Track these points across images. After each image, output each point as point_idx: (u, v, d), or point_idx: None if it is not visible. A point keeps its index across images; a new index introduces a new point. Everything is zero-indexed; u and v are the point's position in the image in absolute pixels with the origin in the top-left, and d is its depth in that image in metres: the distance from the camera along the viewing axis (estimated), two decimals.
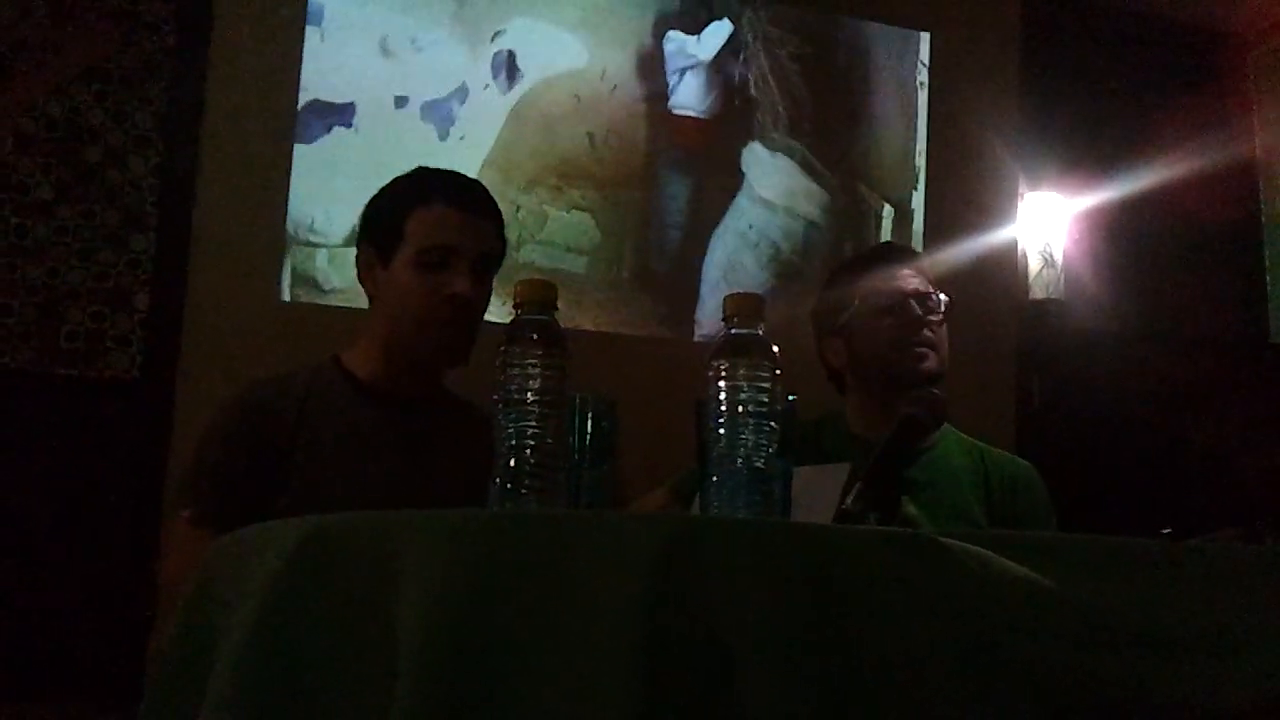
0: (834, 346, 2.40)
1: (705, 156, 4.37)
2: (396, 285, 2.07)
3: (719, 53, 4.40)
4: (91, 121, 3.67)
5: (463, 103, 4.05)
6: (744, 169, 4.40)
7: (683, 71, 4.35)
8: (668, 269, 4.28)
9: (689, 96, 4.36)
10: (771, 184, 4.42)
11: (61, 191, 3.62)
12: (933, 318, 2.31)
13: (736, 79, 4.42)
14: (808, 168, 4.46)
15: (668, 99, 4.34)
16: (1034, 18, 4.86)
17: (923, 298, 2.32)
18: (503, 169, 4.06)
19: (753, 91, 4.43)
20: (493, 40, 4.13)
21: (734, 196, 4.37)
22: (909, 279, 2.35)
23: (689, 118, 4.36)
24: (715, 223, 4.34)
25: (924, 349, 2.29)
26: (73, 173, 3.63)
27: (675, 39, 4.35)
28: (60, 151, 3.63)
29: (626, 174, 4.26)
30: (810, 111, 4.52)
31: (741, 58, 4.43)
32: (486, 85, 4.10)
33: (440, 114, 4.03)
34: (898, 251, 2.52)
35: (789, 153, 4.44)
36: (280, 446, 2.01)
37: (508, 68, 4.12)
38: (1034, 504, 2.32)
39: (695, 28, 4.39)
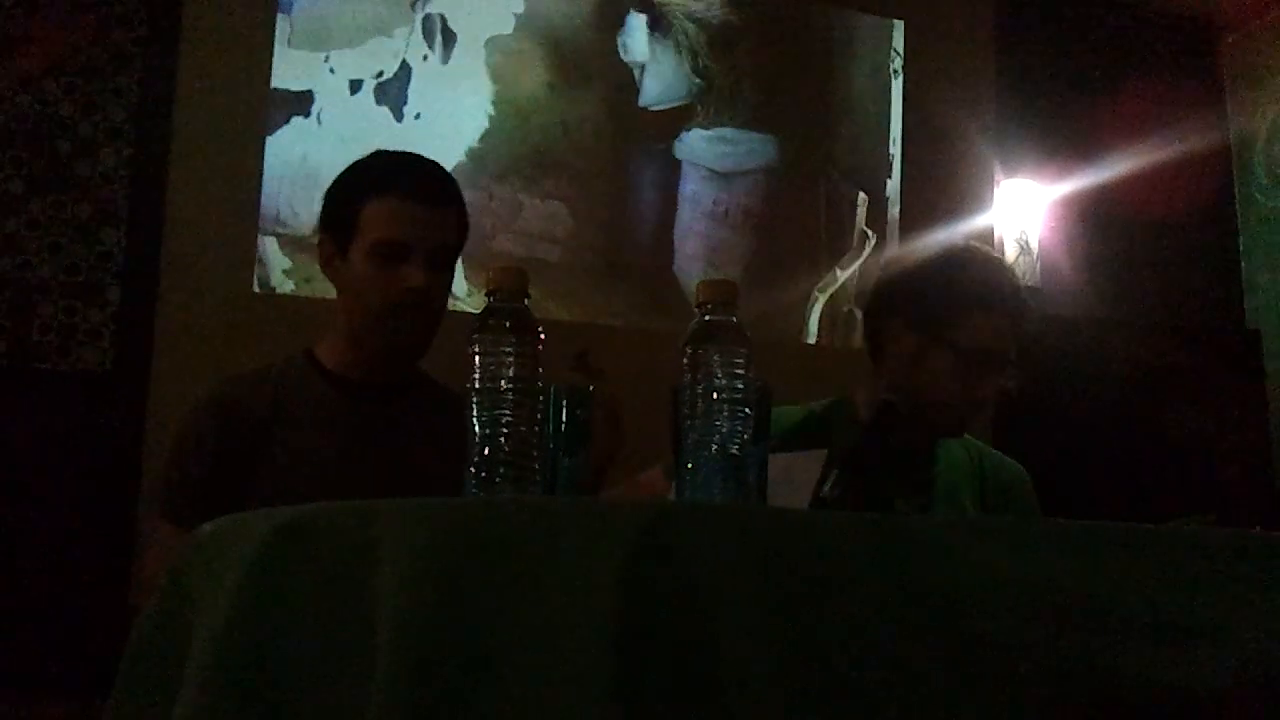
0: (900, 334, 2.25)
1: (671, 147, 4.37)
2: (354, 277, 2.04)
3: (672, 46, 4.38)
4: (62, 114, 3.65)
5: (409, 80, 4.03)
6: (681, 156, 4.38)
7: (641, 67, 4.34)
8: (642, 258, 4.27)
9: (653, 90, 4.35)
10: (719, 155, 4.41)
11: (32, 185, 3.59)
12: (989, 379, 2.22)
13: (700, 72, 4.41)
14: (747, 125, 4.46)
15: (637, 90, 4.33)
16: (1008, 5, 4.87)
17: (1004, 367, 2.22)
18: (477, 158, 4.05)
19: (716, 83, 4.43)
20: (414, 6, 4.10)
21: (682, 187, 4.36)
22: (1008, 344, 2.23)
23: (655, 109, 4.35)
24: (679, 214, 4.34)
25: (973, 418, 2.24)
26: (43, 166, 3.61)
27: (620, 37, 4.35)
28: (31, 144, 3.61)
29: (600, 163, 4.25)
30: (783, 100, 4.52)
31: (706, 51, 4.43)
32: (425, 56, 4.08)
33: (392, 94, 4.02)
34: (1018, 307, 2.29)
35: (725, 121, 4.43)
36: (254, 442, 2.00)
37: (442, 32, 4.10)
38: (1023, 507, 2.31)
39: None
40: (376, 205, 2.02)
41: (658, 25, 4.37)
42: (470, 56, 4.12)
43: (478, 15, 4.15)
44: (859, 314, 2.66)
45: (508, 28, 4.18)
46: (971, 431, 2.31)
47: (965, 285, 2.23)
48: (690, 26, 4.41)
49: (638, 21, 4.35)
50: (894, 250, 4.48)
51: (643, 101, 4.34)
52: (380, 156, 2.16)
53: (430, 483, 1.47)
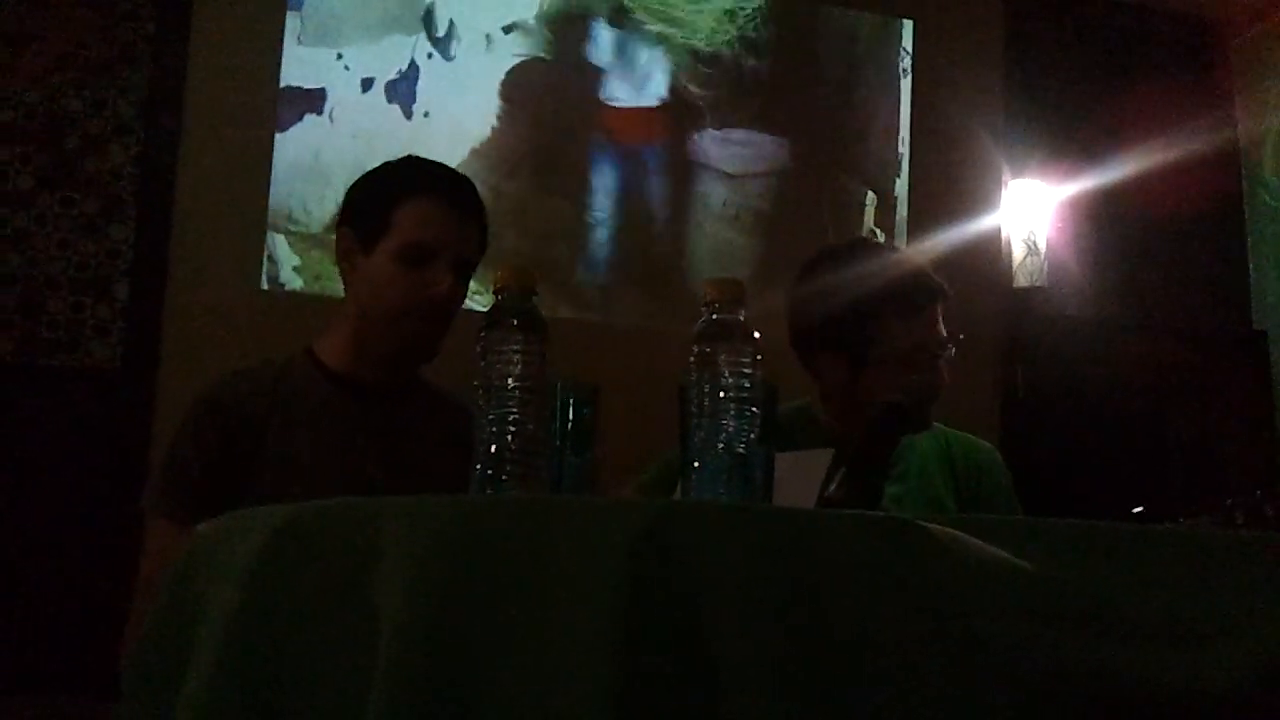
0: (833, 362, 2.30)
1: (684, 147, 4.37)
2: (376, 274, 2.04)
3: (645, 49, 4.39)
4: (71, 109, 3.65)
5: (417, 79, 4.04)
6: (698, 159, 4.38)
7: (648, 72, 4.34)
8: (651, 257, 4.27)
9: (621, 90, 4.35)
10: (730, 157, 4.41)
11: (41, 180, 3.60)
12: (948, 360, 2.27)
13: (706, 73, 4.41)
14: (758, 127, 4.46)
15: (643, 90, 4.33)
16: (1017, 5, 4.86)
17: (945, 345, 2.27)
18: (485, 156, 4.05)
19: (718, 83, 4.43)
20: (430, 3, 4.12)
21: (693, 188, 4.36)
22: (938, 326, 2.27)
23: (664, 109, 4.35)
24: (690, 215, 4.34)
25: (929, 410, 2.28)
26: (52, 161, 3.61)
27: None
28: (39, 140, 3.61)
29: (609, 162, 4.25)
30: (794, 101, 4.52)
31: (715, 51, 4.43)
32: (430, 54, 4.07)
33: (402, 92, 4.02)
34: (933, 293, 2.31)
35: (736, 122, 4.43)
36: (253, 440, 2.00)
37: (444, 29, 4.09)
38: (997, 487, 2.33)
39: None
40: (413, 205, 2.03)
41: (623, 27, 4.35)
42: (475, 54, 4.12)
43: (481, 11, 4.15)
44: None
45: (511, 23, 4.18)
46: (930, 426, 2.33)
47: (876, 299, 2.25)
48: (672, 32, 4.40)
49: (604, 30, 4.34)
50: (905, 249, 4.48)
51: (645, 99, 4.33)
52: (415, 161, 2.17)
53: (425, 485, 1.48)
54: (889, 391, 2.20)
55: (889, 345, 2.24)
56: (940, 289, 2.30)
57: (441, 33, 4.09)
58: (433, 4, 4.09)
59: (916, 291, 2.29)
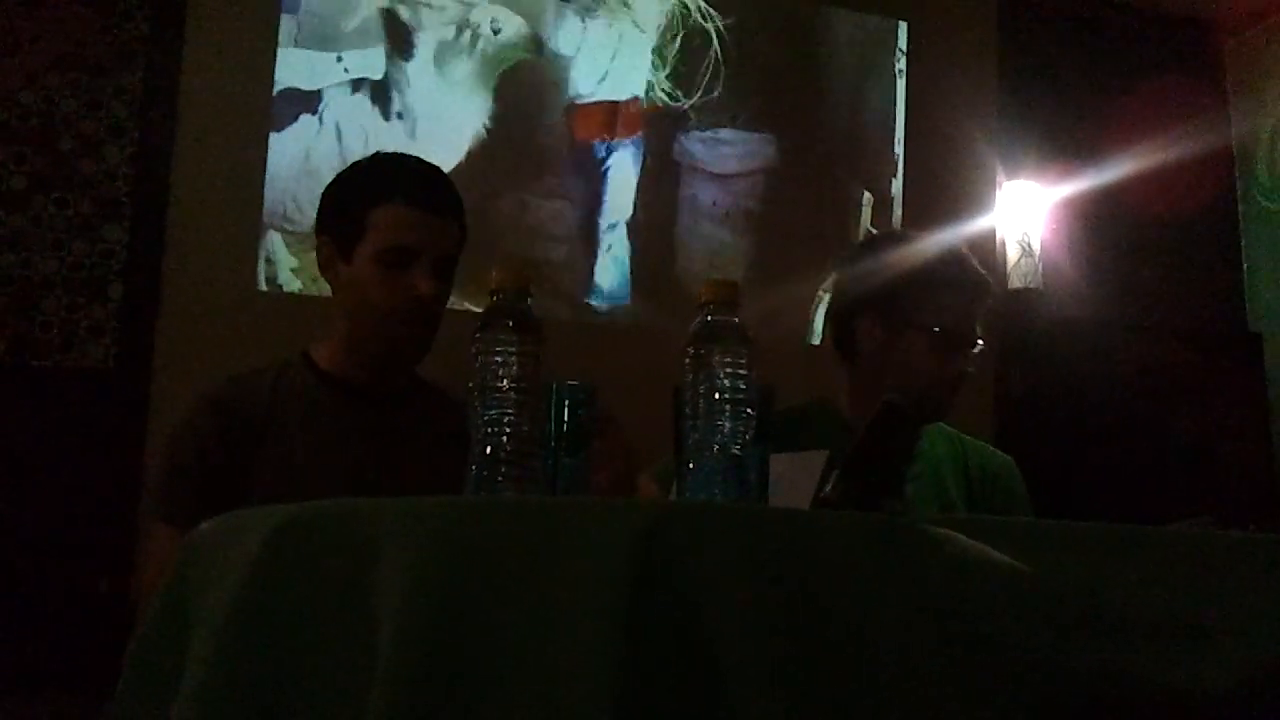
0: (869, 326, 2.31)
1: (671, 146, 4.36)
2: (358, 280, 2.04)
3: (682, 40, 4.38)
4: (65, 110, 3.64)
5: (403, 81, 4.03)
6: (683, 159, 4.37)
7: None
8: (646, 257, 4.27)
9: (639, 88, 4.35)
10: (717, 157, 4.40)
11: (35, 181, 3.59)
12: (959, 359, 2.29)
13: (703, 70, 4.40)
14: (746, 126, 4.45)
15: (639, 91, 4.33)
16: (1012, 6, 4.87)
17: (976, 338, 2.30)
18: (476, 156, 4.05)
19: (718, 81, 4.42)
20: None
21: (682, 188, 4.35)
22: (975, 319, 2.30)
23: (659, 108, 4.34)
24: (681, 215, 4.33)
25: (950, 399, 2.29)
26: (46, 162, 3.61)
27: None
28: (34, 140, 3.61)
29: (604, 161, 4.24)
30: (785, 100, 4.51)
31: (709, 48, 4.42)
32: (405, 56, 4.06)
33: (382, 94, 4.01)
34: (979, 284, 2.36)
35: (722, 122, 4.42)
36: (250, 444, 2.00)
37: (401, 28, 4.08)
38: (1012, 496, 2.32)
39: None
40: (385, 210, 2.02)
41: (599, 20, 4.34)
42: (455, 55, 4.11)
43: (454, 12, 4.14)
44: None
45: (492, 23, 4.17)
46: (950, 416, 2.34)
47: (926, 269, 2.30)
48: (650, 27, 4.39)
49: (580, 24, 4.32)
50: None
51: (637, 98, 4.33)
52: (383, 161, 2.16)
53: (422, 487, 1.47)
54: (898, 376, 2.23)
55: (929, 314, 2.26)
56: (989, 285, 2.34)
57: (412, 35, 4.07)
58: (398, 8, 4.07)
59: (967, 275, 2.33)
